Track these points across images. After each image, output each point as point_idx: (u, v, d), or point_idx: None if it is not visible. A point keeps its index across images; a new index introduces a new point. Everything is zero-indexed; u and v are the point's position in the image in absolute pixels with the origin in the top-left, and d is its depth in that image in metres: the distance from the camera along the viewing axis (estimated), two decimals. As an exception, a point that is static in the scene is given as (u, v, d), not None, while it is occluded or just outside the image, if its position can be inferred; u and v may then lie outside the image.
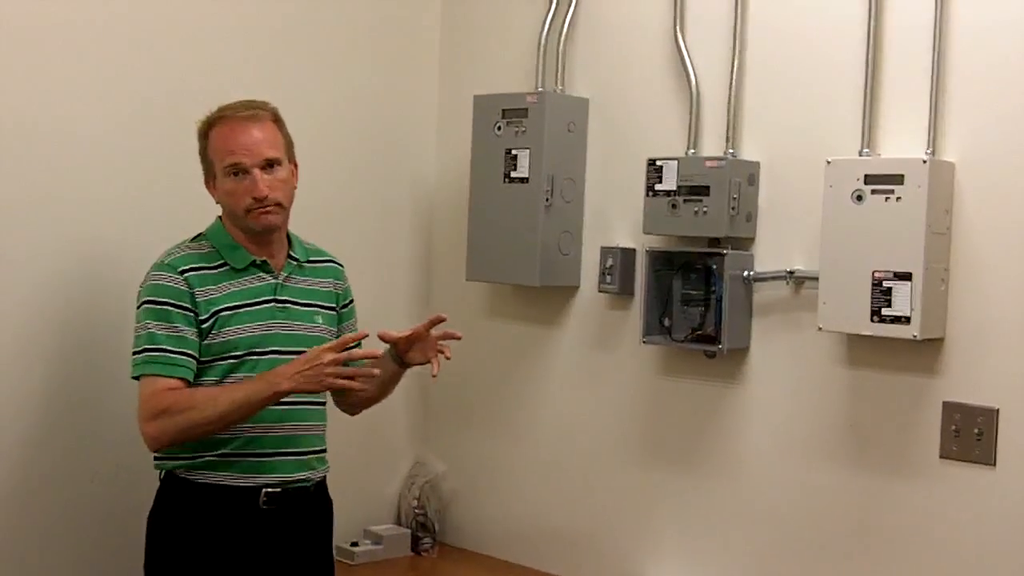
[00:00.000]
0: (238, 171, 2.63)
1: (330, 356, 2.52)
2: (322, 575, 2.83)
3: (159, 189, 3.16)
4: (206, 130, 2.69)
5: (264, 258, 2.71)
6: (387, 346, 2.76)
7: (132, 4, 3.14)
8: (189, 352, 2.59)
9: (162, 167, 3.16)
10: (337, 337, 2.77)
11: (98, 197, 3.08)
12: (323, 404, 2.79)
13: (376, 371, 2.61)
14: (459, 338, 2.74)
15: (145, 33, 3.16)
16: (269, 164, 2.64)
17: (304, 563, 2.75)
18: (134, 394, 3.01)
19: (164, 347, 2.58)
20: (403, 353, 2.76)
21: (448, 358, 2.74)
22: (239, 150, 2.62)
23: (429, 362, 2.75)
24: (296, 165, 2.76)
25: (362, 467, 3.62)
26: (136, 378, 2.62)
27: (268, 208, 2.64)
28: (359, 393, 2.74)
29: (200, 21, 3.27)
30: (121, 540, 3.09)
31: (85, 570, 3.10)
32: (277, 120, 2.72)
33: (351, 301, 2.91)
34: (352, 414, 2.97)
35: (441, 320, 2.73)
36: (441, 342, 2.74)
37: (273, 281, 2.71)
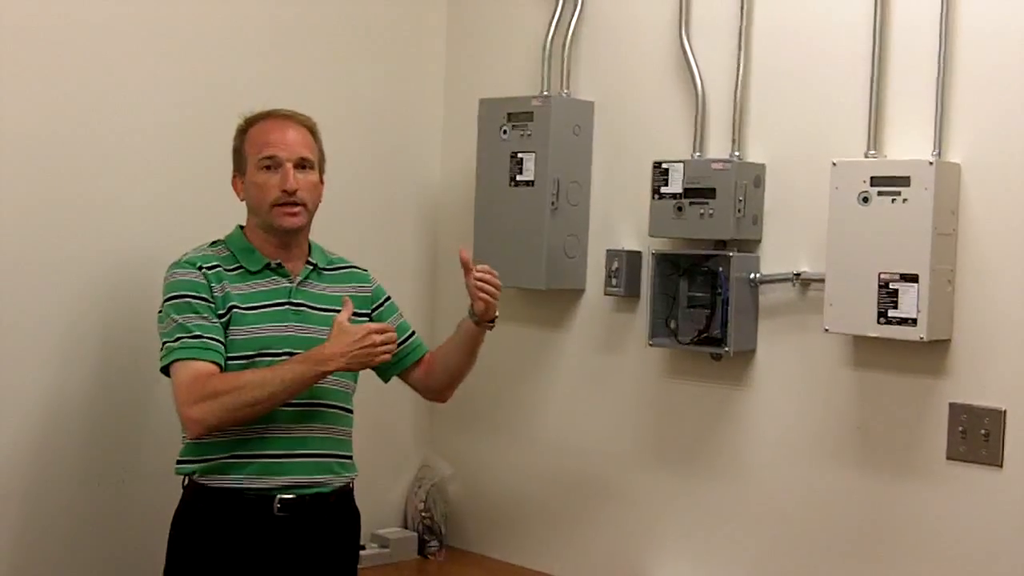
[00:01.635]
0: (272, 164, 2.68)
1: (381, 337, 2.59)
2: None
3: (183, 196, 3.18)
4: (246, 127, 2.75)
5: (279, 261, 2.72)
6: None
7: (141, 14, 3.15)
8: (219, 339, 2.61)
9: (181, 173, 3.18)
10: None
11: (122, 204, 3.10)
12: (347, 410, 2.77)
13: (395, 336, 2.66)
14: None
15: (158, 41, 3.18)
16: (302, 164, 2.70)
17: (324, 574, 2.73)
18: (144, 397, 3.03)
19: (197, 333, 2.58)
20: (472, 298, 2.76)
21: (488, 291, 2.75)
22: (277, 143, 2.69)
23: (490, 316, 2.79)
24: (323, 182, 2.80)
25: (369, 471, 3.58)
26: (165, 369, 2.61)
27: (295, 209, 2.68)
28: (444, 369, 2.88)
29: (208, 28, 3.29)
30: (129, 543, 3.11)
31: (110, 571, 3.10)
32: (314, 132, 2.78)
33: (387, 299, 2.92)
34: (441, 399, 3.01)
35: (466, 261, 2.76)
36: (479, 282, 2.76)
37: (288, 284, 2.72)
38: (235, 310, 2.63)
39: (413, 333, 2.95)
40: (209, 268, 2.66)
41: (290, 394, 2.57)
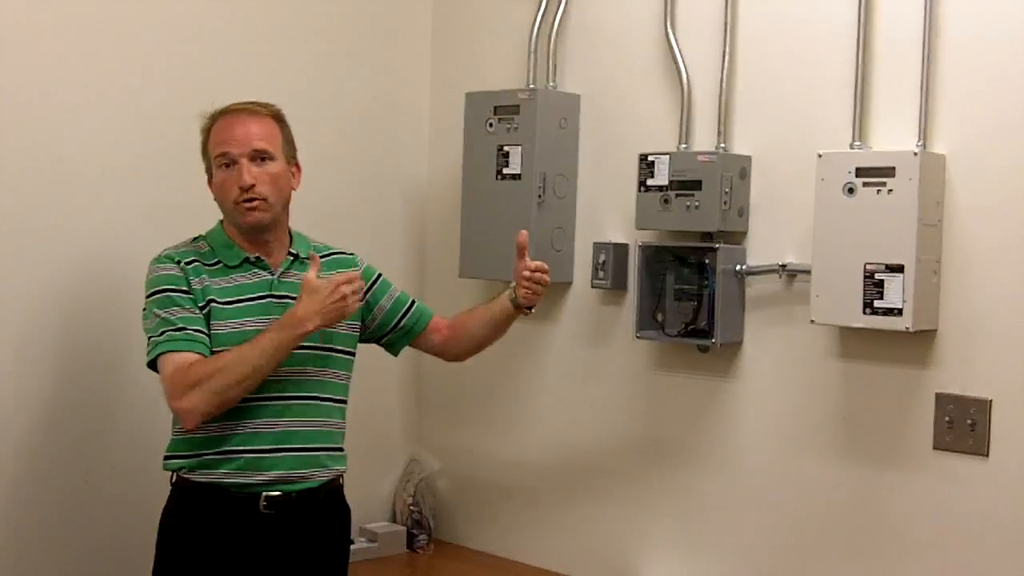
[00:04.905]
0: (227, 161, 2.65)
1: (350, 287, 2.58)
2: None
3: (159, 192, 3.17)
4: (208, 126, 2.71)
5: (259, 254, 2.71)
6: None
7: (126, 10, 3.14)
8: (204, 330, 2.59)
9: (160, 169, 3.17)
10: (352, 329, 2.79)
11: (98, 200, 3.09)
12: (338, 400, 2.76)
13: (361, 283, 2.67)
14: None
15: (140, 37, 3.17)
16: (260, 157, 2.65)
17: (314, 572, 2.72)
18: (131, 393, 3.03)
19: (181, 325, 2.57)
20: (518, 282, 2.80)
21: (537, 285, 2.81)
22: (229, 140, 2.65)
23: (531, 303, 2.83)
24: (299, 168, 2.77)
25: (357, 465, 3.56)
26: (151, 364, 2.59)
27: (255, 203, 2.64)
28: (470, 338, 2.92)
29: (193, 24, 3.28)
30: (116, 539, 3.10)
31: (80, 569, 3.10)
32: (278, 119, 2.73)
33: (378, 277, 2.91)
34: (461, 360, 3.02)
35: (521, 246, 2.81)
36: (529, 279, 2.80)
37: (269, 277, 2.70)
38: (214, 304, 2.62)
39: (414, 302, 2.94)
40: (187, 263, 2.65)
41: (274, 363, 2.55)
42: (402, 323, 2.90)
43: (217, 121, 2.69)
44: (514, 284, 2.83)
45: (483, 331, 2.92)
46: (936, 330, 2.77)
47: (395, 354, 2.98)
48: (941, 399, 2.77)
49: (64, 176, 3.04)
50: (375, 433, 3.74)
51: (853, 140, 2.87)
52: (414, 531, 3.70)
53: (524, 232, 2.81)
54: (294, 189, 2.75)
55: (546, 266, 2.81)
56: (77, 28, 3.06)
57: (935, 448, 2.78)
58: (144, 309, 2.65)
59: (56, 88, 3.02)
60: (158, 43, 3.20)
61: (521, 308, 2.84)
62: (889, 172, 2.71)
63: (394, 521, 3.76)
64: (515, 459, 3.62)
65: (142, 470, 2.87)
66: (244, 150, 2.64)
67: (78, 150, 3.06)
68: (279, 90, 3.03)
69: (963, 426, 2.73)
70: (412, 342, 2.95)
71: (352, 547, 3.47)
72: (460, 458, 3.76)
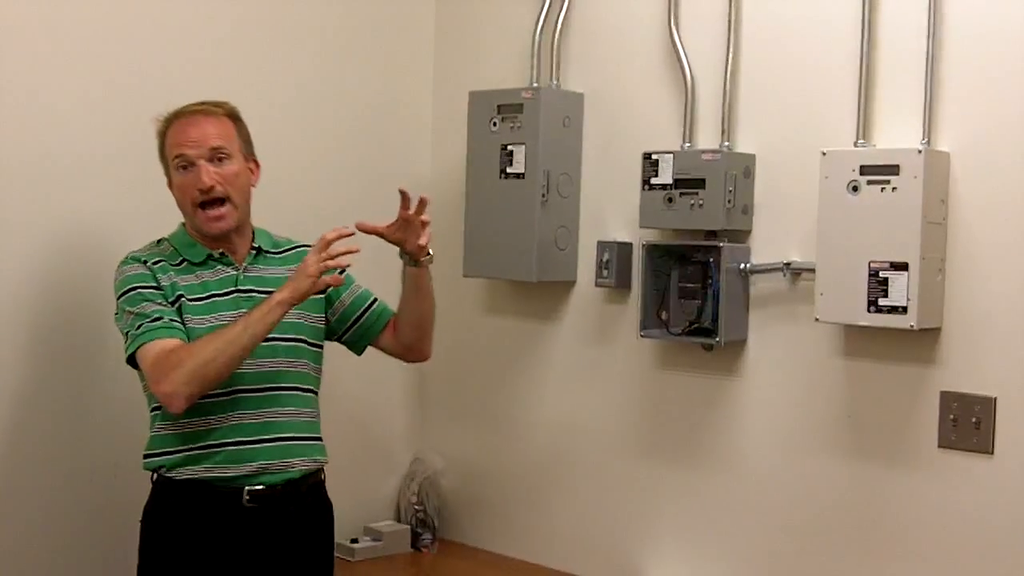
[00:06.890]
0: (185, 164, 2.65)
1: (313, 257, 2.56)
2: None
3: (144, 190, 3.15)
4: (163, 129, 2.72)
5: (223, 250, 2.72)
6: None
7: (122, 6, 3.14)
8: (178, 320, 2.61)
9: (148, 168, 3.16)
10: (318, 322, 2.80)
11: (85, 199, 3.09)
12: (311, 391, 2.77)
13: (349, 263, 2.61)
14: (425, 201, 2.74)
15: (135, 33, 3.16)
16: (217, 156, 2.66)
17: (298, 568, 2.73)
18: (132, 393, 3.01)
19: (157, 316, 2.58)
20: (400, 243, 2.74)
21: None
22: (184, 141, 2.66)
23: (426, 249, 2.77)
24: (257, 164, 2.77)
25: (361, 464, 3.63)
26: (131, 359, 2.59)
27: (221, 210, 2.65)
28: (406, 321, 2.85)
29: (191, 20, 3.27)
30: (119, 540, 3.08)
31: (82, 570, 3.10)
32: (233, 117, 2.73)
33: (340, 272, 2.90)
34: (423, 356, 2.97)
35: (407, 197, 2.72)
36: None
37: (234, 272, 2.72)
38: (183, 300, 2.64)
39: (375, 300, 2.92)
40: (154, 263, 2.67)
41: (252, 336, 2.53)
42: (362, 319, 2.89)
43: (172, 124, 2.69)
44: (404, 245, 2.76)
45: (410, 306, 2.85)
46: (941, 328, 2.77)
47: (358, 353, 2.96)
48: (946, 397, 2.76)
49: (45, 172, 3.02)
50: (379, 432, 3.74)
51: (857, 138, 2.87)
52: (418, 530, 3.70)
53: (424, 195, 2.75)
54: (253, 186, 2.75)
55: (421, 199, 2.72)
56: (73, 20, 3.05)
57: (940, 446, 2.78)
58: (116, 313, 2.66)
59: (46, 83, 3.01)
60: (156, 39, 3.19)
61: (414, 255, 2.76)
62: (893, 170, 2.71)
63: (398, 520, 3.76)
64: (519, 457, 3.62)
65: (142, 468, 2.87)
66: (201, 152, 2.65)
67: (62, 146, 3.04)
68: (281, 89, 3.04)
69: (968, 424, 2.73)
70: (373, 342, 2.93)
71: (356, 546, 3.52)
72: (464, 457, 3.76)
